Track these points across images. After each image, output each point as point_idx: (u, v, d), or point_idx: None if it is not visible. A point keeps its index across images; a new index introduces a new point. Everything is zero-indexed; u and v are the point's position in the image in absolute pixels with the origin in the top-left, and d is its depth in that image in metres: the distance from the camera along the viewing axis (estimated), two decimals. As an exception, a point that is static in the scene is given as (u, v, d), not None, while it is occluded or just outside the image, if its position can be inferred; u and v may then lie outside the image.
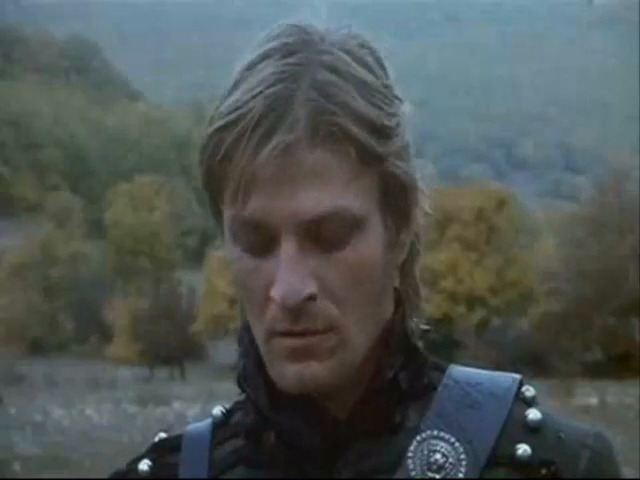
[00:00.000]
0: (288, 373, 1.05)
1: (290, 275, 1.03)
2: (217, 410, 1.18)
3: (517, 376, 1.16)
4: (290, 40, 1.06)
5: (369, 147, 1.04)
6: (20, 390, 35.06)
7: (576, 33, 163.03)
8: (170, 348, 45.50)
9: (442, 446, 1.09)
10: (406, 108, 1.10)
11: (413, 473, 1.08)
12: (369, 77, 1.06)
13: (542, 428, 1.11)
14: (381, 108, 1.06)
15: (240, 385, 1.14)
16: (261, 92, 1.03)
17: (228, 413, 1.18)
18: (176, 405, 29.61)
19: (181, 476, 1.15)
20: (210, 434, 1.17)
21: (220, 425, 1.17)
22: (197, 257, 58.55)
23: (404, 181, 1.08)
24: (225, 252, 1.09)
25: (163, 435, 1.21)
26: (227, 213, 1.06)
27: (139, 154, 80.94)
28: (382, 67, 1.09)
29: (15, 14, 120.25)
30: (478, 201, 48.22)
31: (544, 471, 1.08)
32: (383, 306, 1.10)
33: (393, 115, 1.06)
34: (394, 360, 1.11)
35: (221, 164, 1.04)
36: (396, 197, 1.08)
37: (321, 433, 1.09)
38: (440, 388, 1.13)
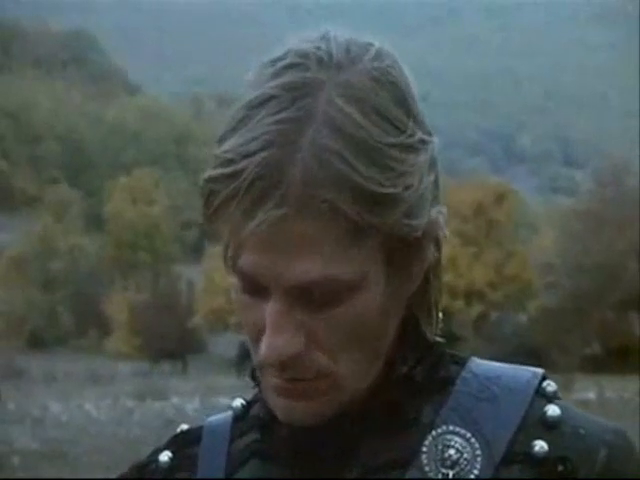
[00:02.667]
0: (278, 406, 1.06)
1: (274, 336, 1.01)
2: (237, 402, 1.17)
3: (539, 370, 1.14)
4: (295, 79, 1.01)
5: (362, 222, 1.00)
6: (19, 384, 35.05)
7: (576, 27, 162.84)
8: (169, 342, 45.51)
9: (457, 441, 1.07)
10: (436, 141, 1.06)
11: (427, 469, 1.06)
12: (379, 133, 1.00)
13: (561, 424, 1.08)
14: (391, 169, 1.01)
15: (253, 378, 1.12)
16: (256, 152, 0.99)
17: (248, 405, 1.17)
18: (175, 400, 29.61)
19: (200, 468, 1.14)
20: (229, 427, 1.16)
21: (240, 418, 1.16)
22: (196, 251, 58.54)
23: (410, 239, 1.04)
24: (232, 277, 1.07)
25: (185, 427, 1.19)
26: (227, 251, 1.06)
27: (138, 148, 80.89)
28: (404, 103, 1.04)
29: (14, 7, 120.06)
30: (477, 195, 48.18)
31: (560, 468, 1.06)
32: (384, 339, 1.07)
33: (403, 174, 1.01)
34: (409, 355, 1.09)
35: (216, 213, 1.03)
36: (403, 253, 1.05)
37: (333, 427, 1.07)
38: (458, 382, 1.10)
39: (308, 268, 1.00)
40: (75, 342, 53.59)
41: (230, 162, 1.00)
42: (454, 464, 1.06)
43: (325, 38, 1.04)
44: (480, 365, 1.13)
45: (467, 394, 1.09)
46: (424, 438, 1.07)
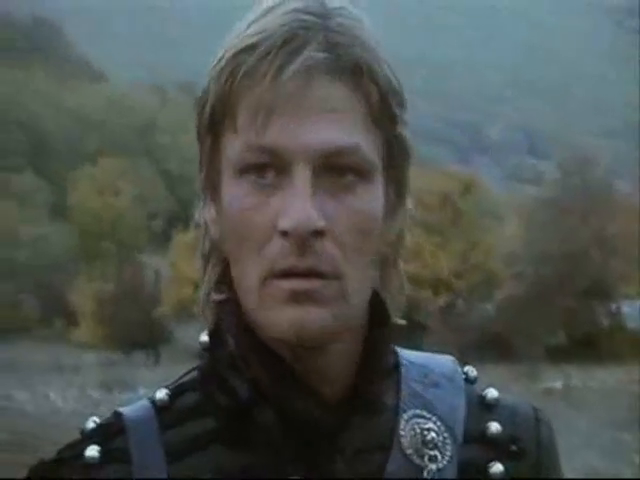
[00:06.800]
0: (286, 317, 1.01)
1: (304, 204, 1.00)
2: (162, 393, 1.13)
3: (451, 357, 1.19)
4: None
5: (381, 106, 1.04)
6: (-17, 374, 34.80)
7: (541, 15, 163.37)
8: (136, 333, 45.36)
9: (430, 425, 1.11)
10: None
11: (409, 452, 1.09)
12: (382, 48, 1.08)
13: (498, 405, 1.15)
14: (396, 80, 1.07)
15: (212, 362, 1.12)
16: (285, 23, 1.02)
17: (173, 397, 1.13)
18: (142, 391, 29.47)
19: (135, 461, 1.09)
20: (153, 418, 1.11)
21: (164, 409, 1.12)
22: (163, 240, 58.34)
23: (408, 148, 1.09)
24: (223, 193, 1.05)
25: (96, 419, 1.14)
26: (236, 143, 1.03)
27: (102, 136, 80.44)
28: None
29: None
30: (442, 185, 48.25)
31: (513, 447, 1.12)
32: (373, 273, 1.09)
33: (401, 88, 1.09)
34: (385, 339, 1.11)
35: (239, 87, 1.02)
36: (398, 163, 1.08)
37: (319, 415, 1.07)
38: (402, 368, 1.13)
39: (339, 133, 1.01)
40: (39, 332, 53.27)
41: (260, 32, 1.02)
42: (435, 446, 1.10)
43: None
44: (406, 352, 1.16)
45: (413, 380, 1.13)
46: (396, 421, 1.10)
